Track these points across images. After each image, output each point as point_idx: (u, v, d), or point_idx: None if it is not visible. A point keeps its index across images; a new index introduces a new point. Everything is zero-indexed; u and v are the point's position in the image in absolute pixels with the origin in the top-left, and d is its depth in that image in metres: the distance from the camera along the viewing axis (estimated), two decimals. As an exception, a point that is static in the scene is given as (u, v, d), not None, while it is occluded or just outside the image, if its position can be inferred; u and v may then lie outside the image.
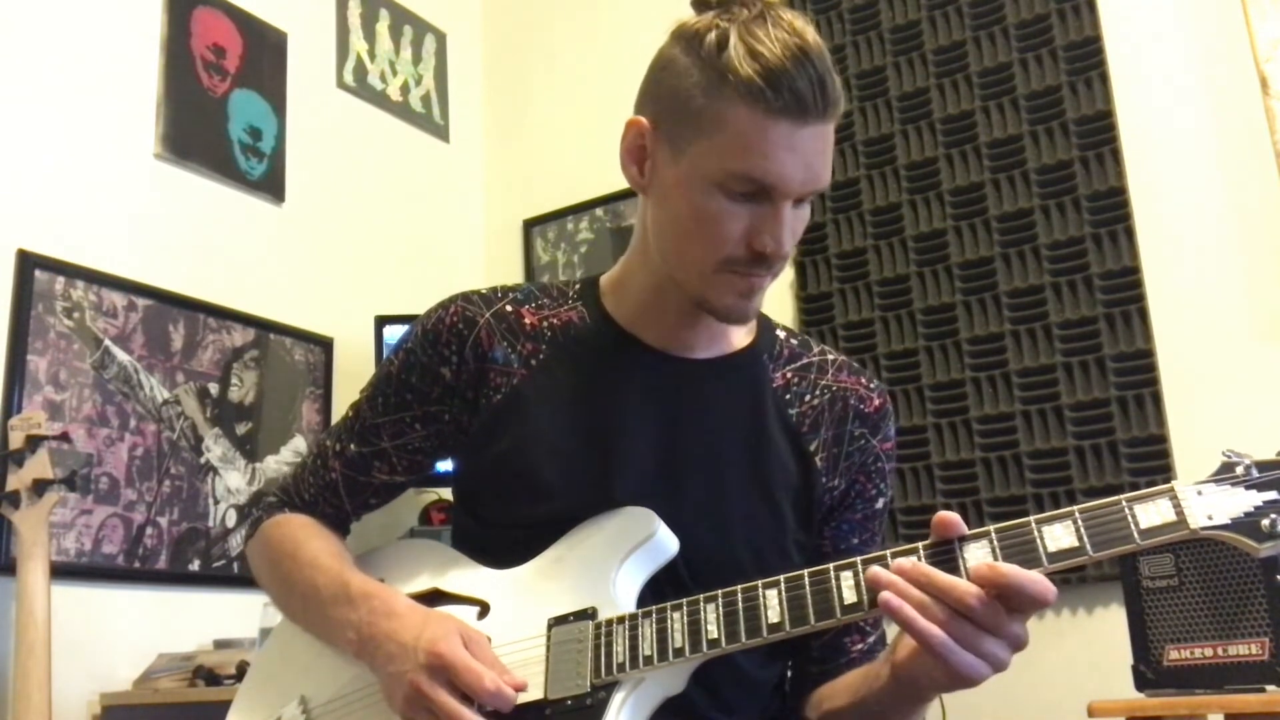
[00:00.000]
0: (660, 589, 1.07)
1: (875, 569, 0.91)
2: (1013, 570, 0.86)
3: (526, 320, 1.20)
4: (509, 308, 1.20)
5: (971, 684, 0.89)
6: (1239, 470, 0.86)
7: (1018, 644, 0.89)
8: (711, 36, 1.03)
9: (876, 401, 1.23)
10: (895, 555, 0.93)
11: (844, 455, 1.20)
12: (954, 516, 0.91)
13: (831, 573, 0.95)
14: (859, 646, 1.19)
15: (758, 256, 1.06)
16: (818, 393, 1.21)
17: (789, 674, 1.24)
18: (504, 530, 1.15)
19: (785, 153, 1.01)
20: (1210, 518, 0.84)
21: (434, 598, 1.15)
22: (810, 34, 1.02)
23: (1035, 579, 0.86)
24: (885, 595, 0.88)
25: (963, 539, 0.91)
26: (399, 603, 1.09)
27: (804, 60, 1.00)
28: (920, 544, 0.92)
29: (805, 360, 1.23)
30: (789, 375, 1.21)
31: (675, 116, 1.06)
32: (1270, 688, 1.78)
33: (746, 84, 1.00)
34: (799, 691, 1.21)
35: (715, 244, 1.06)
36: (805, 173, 1.03)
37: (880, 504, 1.23)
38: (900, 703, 1.03)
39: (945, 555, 0.91)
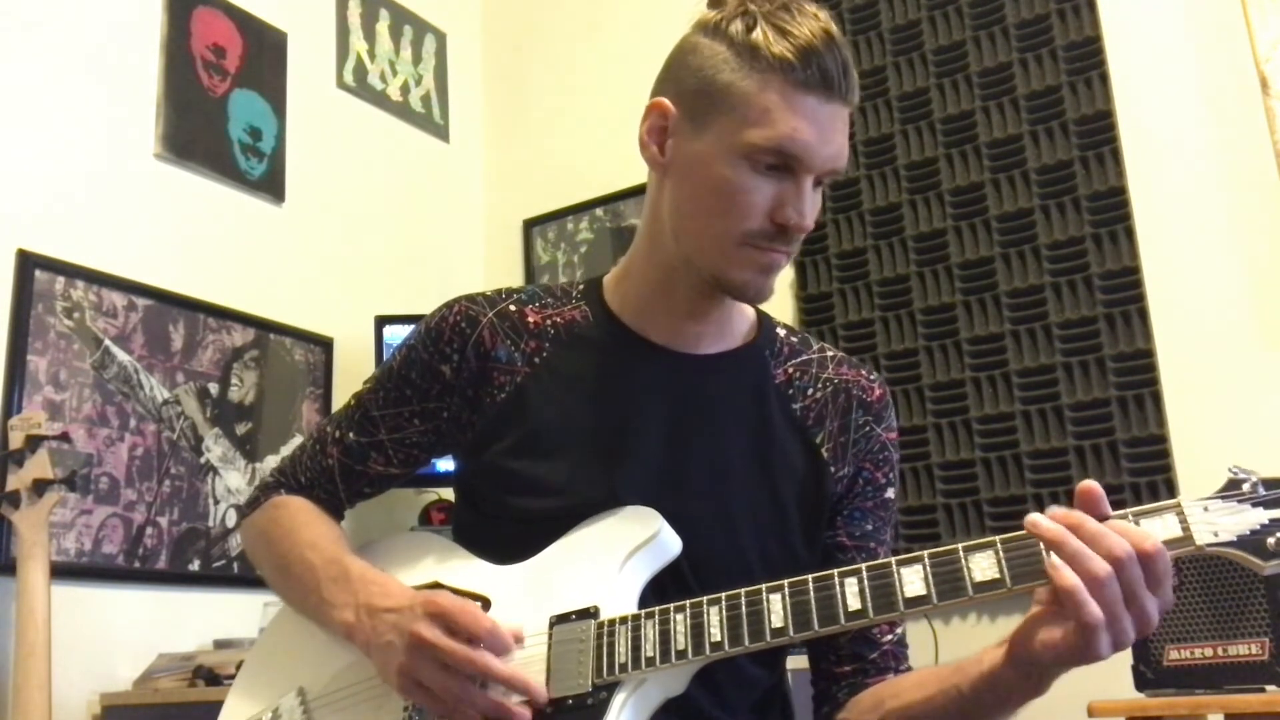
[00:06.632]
0: (663, 586, 1.07)
1: (1034, 516, 0.86)
2: (1148, 535, 0.83)
3: (530, 319, 1.21)
4: (512, 307, 1.21)
5: (1099, 659, 0.85)
6: (1245, 487, 0.85)
7: (1148, 621, 0.85)
8: (739, 22, 1.08)
9: (877, 391, 1.24)
10: (900, 564, 0.92)
11: (851, 443, 1.20)
12: (1096, 489, 0.87)
13: (836, 579, 0.94)
14: (889, 637, 1.17)
15: (780, 230, 1.08)
16: (820, 386, 1.22)
17: (812, 684, 1.21)
18: (507, 524, 1.16)
19: (811, 125, 1.05)
20: (1216, 535, 0.84)
21: (434, 590, 1.15)
22: (833, 24, 1.07)
23: (1161, 547, 0.83)
24: (1069, 583, 0.83)
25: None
26: (395, 587, 1.10)
27: (831, 42, 1.05)
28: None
29: (805, 356, 1.24)
30: (790, 370, 1.22)
31: (701, 94, 1.08)
32: (1270, 688, 1.78)
33: (779, 59, 1.04)
34: (830, 699, 1.17)
35: (739, 216, 1.07)
36: (829, 148, 1.06)
37: (890, 494, 1.23)
38: (1014, 687, 0.96)
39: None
